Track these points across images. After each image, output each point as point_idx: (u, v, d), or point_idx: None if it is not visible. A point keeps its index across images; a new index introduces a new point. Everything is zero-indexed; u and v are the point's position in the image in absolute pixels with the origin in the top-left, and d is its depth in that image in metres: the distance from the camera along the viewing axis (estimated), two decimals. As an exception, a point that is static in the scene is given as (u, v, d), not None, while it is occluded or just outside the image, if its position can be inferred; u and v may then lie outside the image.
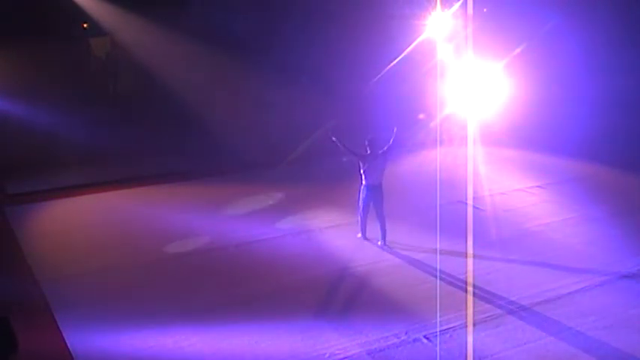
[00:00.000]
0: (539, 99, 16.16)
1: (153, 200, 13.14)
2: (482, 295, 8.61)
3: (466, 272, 9.21)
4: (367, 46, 16.66)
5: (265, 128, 16.05)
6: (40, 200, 13.11)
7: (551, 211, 11.91)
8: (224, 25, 16.68)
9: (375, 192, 10.46)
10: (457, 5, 14.24)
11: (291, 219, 11.74)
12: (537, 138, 15.88)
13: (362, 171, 10.49)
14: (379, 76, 16.09)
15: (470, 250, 9.74)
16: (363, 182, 10.52)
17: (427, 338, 7.75)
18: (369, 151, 10.49)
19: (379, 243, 10.45)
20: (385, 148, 10.57)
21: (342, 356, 7.49)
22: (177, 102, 16.65)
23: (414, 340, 7.73)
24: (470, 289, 8.77)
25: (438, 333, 7.80)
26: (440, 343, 7.61)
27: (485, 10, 16.28)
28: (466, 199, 11.70)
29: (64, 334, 8.05)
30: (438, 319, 7.95)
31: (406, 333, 7.87)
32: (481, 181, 13.09)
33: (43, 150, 15.09)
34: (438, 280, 8.92)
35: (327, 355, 7.50)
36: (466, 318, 8.01)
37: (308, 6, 16.59)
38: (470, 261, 9.50)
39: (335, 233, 11.10)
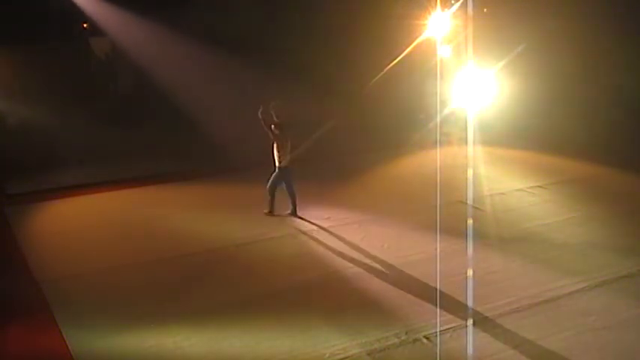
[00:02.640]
0: (539, 99, 16.16)
1: (153, 200, 13.15)
2: (482, 295, 8.59)
3: (466, 272, 9.20)
4: (367, 46, 16.65)
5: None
6: (40, 200, 13.12)
7: (551, 211, 11.91)
8: (223, 24, 16.68)
9: (287, 173, 11.29)
10: (457, 5, 14.22)
11: (291, 219, 11.75)
12: (538, 138, 15.89)
13: (275, 153, 11.21)
14: (379, 76, 16.07)
15: (470, 250, 9.73)
16: (278, 164, 11.26)
17: (427, 338, 7.74)
18: (278, 132, 11.11)
19: (288, 212, 11.61)
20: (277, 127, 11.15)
21: (342, 356, 7.49)
22: (177, 102, 16.64)
23: (414, 340, 7.73)
24: (470, 289, 8.76)
25: (438, 333, 7.79)
26: (440, 343, 7.61)
27: (485, 10, 16.27)
28: (466, 199, 11.69)
29: (64, 334, 8.05)
30: (438, 319, 7.94)
31: (406, 333, 7.86)
32: (481, 181, 13.09)
33: (43, 150, 15.09)
34: (438, 280, 8.91)
35: (327, 355, 7.50)
36: (466, 318, 8.00)
37: (308, 6, 16.58)
38: (470, 261, 9.49)
39: (335, 233, 11.10)
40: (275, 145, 11.28)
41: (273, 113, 10.97)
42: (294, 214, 11.70)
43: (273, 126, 11.11)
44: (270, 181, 11.55)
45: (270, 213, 11.70)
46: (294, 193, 11.63)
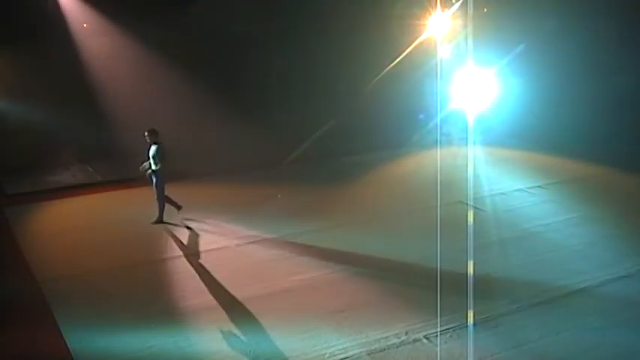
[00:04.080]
0: (539, 99, 16.16)
1: (153, 200, 13.13)
2: (483, 295, 8.59)
3: (466, 272, 9.20)
4: (367, 46, 16.65)
5: (265, 128, 16.05)
6: (40, 200, 13.11)
7: (551, 212, 11.91)
8: (223, 25, 16.67)
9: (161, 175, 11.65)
10: (457, 5, 14.22)
11: (291, 220, 11.74)
12: (538, 138, 15.90)
13: (161, 161, 11.39)
14: (380, 76, 16.08)
15: (470, 250, 9.72)
16: (159, 168, 11.42)
17: (427, 338, 7.74)
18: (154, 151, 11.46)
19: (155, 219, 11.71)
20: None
21: (342, 356, 7.49)
22: (176, 102, 16.63)
23: (414, 340, 7.73)
24: (470, 289, 8.76)
25: (439, 333, 7.80)
26: (440, 343, 7.61)
27: (485, 10, 16.27)
28: (466, 200, 11.69)
29: (64, 334, 8.05)
30: (439, 319, 7.95)
31: (406, 333, 7.87)
32: (481, 182, 13.09)
33: (42, 150, 15.08)
34: (439, 280, 8.90)
35: (327, 355, 7.50)
36: (466, 318, 8.01)
37: (307, 6, 16.58)
38: (470, 261, 9.48)
39: (335, 234, 11.09)
40: (152, 158, 11.55)
41: (147, 138, 11.54)
42: (160, 221, 11.75)
43: (151, 146, 11.55)
44: (159, 188, 11.64)
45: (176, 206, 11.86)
46: (162, 201, 11.79)
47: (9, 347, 7.96)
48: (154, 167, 11.54)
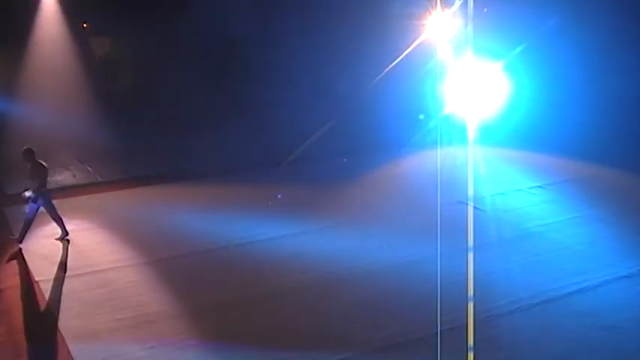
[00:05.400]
0: (539, 99, 16.16)
1: (153, 200, 13.14)
2: (483, 295, 8.57)
3: (466, 273, 9.19)
4: (367, 46, 16.66)
5: (265, 128, 16.06)
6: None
7: (551, 212, 11.91)
8: (224, 25, 16.70)
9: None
10: (457, 5, 14.23)
11: (292, 219, 11.74)
12: (538, 138, 15.89)
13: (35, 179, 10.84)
14: (379, 76, 16.08)
15: (470, 251, 9.71)
16: (44, 189, 10.96)
17: (427, 338, 7.74)
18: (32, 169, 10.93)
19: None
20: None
21: (342, 357, 7.49)
22: (177, 102, 16.65)
23: (414, 340, 7.73)
24: (470, 289, 8.75)
25: (439, 333, 7.79)
26: (440, 343, 7.60)
27: (485, 9, 16.26)
28: (466, 200, 11.67)
29: (64, 334, 8.06)
30: (439, 319, 7.94)
31: (406, 333, 7.86)
32: (481, 181, 13.09)
33: (42, 150, 15.07)
34: (439, 281, 8.90)
35: (327, 355, 7.50)
36: (466, 318, 8.00)
37: (308, 6, 16.59)
38: (470, 261, 9.47)
39: (335, 233, 11.10)
40: (35, 177, 11.07)
41: (24, 157, 11.09)
42: (64, 236, 11.20)
43: (29, 165, 11.13)
44: (48, 209, 11.10)
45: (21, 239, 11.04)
46: (58, 217, 11.24)
47: (9, 346, 7.97)
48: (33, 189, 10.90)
